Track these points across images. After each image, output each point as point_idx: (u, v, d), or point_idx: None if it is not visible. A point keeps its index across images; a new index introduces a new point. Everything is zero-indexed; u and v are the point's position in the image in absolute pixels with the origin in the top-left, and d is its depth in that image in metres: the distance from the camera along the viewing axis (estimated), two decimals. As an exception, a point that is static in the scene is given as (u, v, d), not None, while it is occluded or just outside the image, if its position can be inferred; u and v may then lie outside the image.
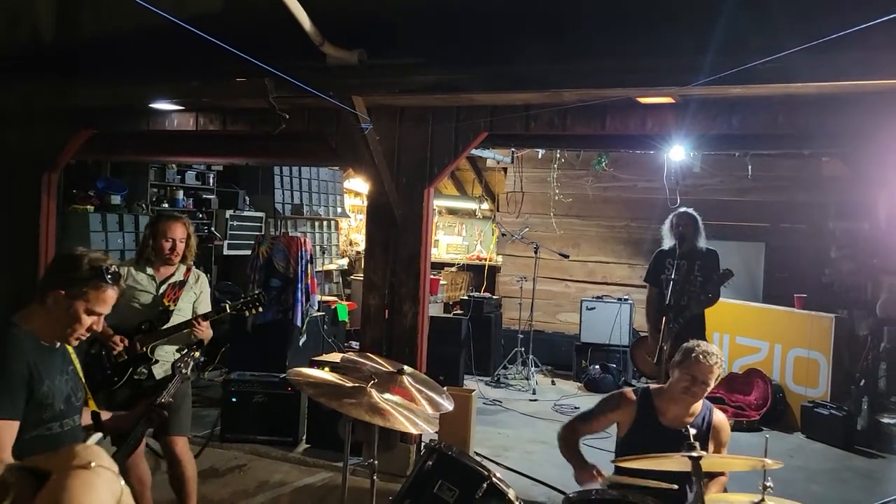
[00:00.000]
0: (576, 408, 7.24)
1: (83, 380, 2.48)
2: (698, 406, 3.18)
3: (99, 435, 2.44)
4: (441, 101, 4.84)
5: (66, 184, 7.52)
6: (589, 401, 7.35)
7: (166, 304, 3.93)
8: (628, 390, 3.31)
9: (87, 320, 2.30)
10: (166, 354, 3.93)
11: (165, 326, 3.88)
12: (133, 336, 3.85)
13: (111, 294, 2.34)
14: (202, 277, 4.16)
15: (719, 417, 3.25)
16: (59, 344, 2.36)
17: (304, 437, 5.71)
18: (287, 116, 4.49)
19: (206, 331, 3.90)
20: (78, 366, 2.46)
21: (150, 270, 3.97)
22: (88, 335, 2.36)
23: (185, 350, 3.59)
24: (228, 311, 4.10)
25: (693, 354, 3.07)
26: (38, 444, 2.21)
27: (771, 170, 8.47)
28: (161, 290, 3.96)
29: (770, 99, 4.30)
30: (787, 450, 6.26)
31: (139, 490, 3.90)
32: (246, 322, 6.71)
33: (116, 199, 8.15)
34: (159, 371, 3.88)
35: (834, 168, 8.15)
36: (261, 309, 4.20)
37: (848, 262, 7.71)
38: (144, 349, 3.85)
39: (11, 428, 2.14)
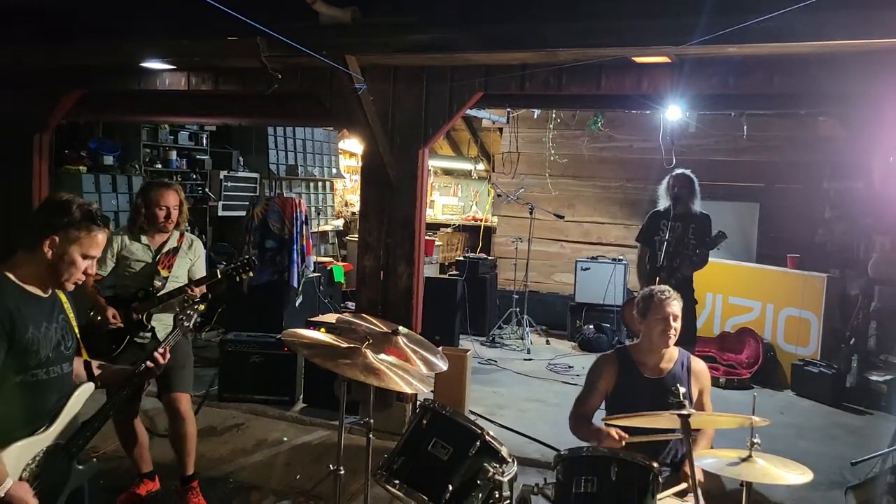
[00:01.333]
0: (570, 367, 7.34)
1: (76, 329, 2.47)
2: (674, 353, 3.30)
3: (90, 385, 2.47)
4: (435, 60, 4.80)
5: (58, 145, 7.46)
6: (583, 360, 7.46)
7: (161, 271, 3.94)
8: (606, 352, 3.46)
9: (83, 264, 2.32)
10: (163, 321, 3.94)
11: (160, 294, 3.90)
12: (129, 304, 3.87)
13: (101, 237, 2.36)
14: (196, 242, 4.15)
15: (697, 363, 3.37)
16: (49, 292, 2.36)
17: (302, 396, 5.78)
18: (280, 76, 4.45)
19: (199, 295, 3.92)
20: (71, 315, 2.46)
21: (144, 239, 3.97)
22: (83, 279, 2.38)
23: (188, 302, 3.59)
24: (219, 276, 4.10)
25: (653, 300, 3.22)
26: (22, 390, 2.24)
27: (766, 130, 8.44)
28: (156, 259, 3.97)
29: (766, 58, 4.27)
30: (778, 407, 6.36)
31: (138, 451, 3.97)
32: (242, 283, 6.72)
33: (109, 160, 8.08)
34: (161, 333, 3.89)
35: (829, 128, 8.13)
36: (251, 273, 4.21)
37: (841, 223, 7.74)
38: (141, 317, 3.87)
39: None
